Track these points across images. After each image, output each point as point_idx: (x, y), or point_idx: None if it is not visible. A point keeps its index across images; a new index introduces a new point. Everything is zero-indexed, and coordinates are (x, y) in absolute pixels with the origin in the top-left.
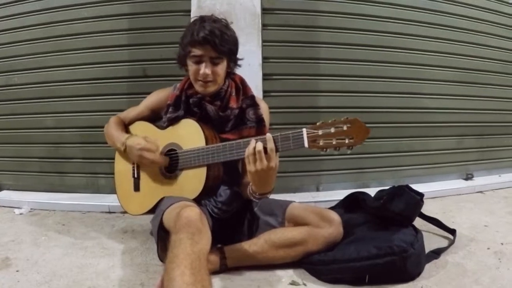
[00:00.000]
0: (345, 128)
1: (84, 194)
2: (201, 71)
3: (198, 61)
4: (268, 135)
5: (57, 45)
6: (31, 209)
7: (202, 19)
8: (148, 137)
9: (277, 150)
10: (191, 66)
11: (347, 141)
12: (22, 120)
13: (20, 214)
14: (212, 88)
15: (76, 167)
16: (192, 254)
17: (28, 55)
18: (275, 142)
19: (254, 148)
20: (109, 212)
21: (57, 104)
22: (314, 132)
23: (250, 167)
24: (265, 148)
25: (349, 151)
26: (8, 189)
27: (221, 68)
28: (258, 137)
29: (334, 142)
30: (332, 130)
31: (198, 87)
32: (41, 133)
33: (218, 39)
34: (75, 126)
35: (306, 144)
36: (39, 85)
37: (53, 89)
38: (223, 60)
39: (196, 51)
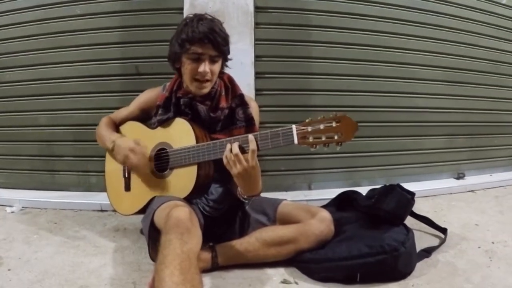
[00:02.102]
0: (334, 124)
1: (75, 192)
2: (201, 69)
3: (197, 59)
4: (250, 136)
5: (50, 43)
6: (22, 207)
7: (199, 17)
8: (139, 141)
9: (258, 149)
10: (189, 65)
11: (336, 137)
12: (15, 117)
13: (12, 212)
14: (207, 89)
15: (67, 165)
16: (182, 254)
17: (20, 52)
18: (256, 141)
19: (231, 150)
20: (101, 211)
21: (50, 102)
22: (303, 129)
23: (232, 171)
24: (241, 148)
25: (338, 148)
26: None
27: (218, 67)
28: (238, 136)
29: (323, 139)
30: (321, 126)
31: (193, 87)
32: (33, 130)
33: (220, 38)
34: (68, 123)
35: (295, 141)
36: (32, 82)
37: (46, 87)
38: (220, 59)
39: (197, 49)
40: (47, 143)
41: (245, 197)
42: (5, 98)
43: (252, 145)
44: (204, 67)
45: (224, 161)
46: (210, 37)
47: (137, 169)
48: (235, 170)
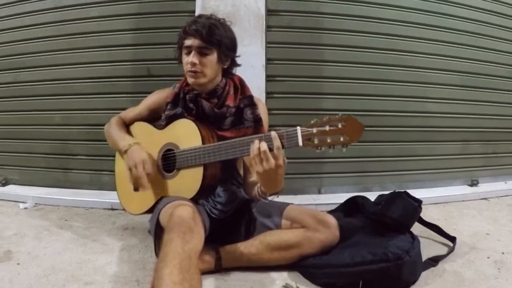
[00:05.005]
0: (339, 126)
1: (88, 190)
2: (189, 60)
3: (188, 51)
4: (273, 133)
5: (65, 44)
6: (35, 204)
7: (198, 16)
8: (149, 132)
9: (283, 147)
10: (184, 59)
11: (342, 139)
12: (30, 116)
13: (25, 208)
14: (201, 80)
15: (81, 163)
16: (182, 253)
17: (37, 53)
18: (281, 139)
19: (259, 148)
20: (111, 209)
21: (65, 102)
22: (308, 130)
23: (257, 168)
24: (270, 147)
25: (344, 149)
26: (14, 183)
27: (210, 60)
28: (263, 134)
29: (329, 140)
30: (327, 128)
31: (188, 78)
32: (48, 129)
33: (206, 30)
34: (81, 123)
35: (300, 143)
36: (47, 82)
37: (62, 87)
38: (212, 51)
39: (186, 42)
40: (61, 142)
41: (266, 195)
42: (21, 97)
43: (276, 142)
44: (191, 57)
45: (251, 154)
46: (198, 29)
47: (139, 181)
48: (261, 167)
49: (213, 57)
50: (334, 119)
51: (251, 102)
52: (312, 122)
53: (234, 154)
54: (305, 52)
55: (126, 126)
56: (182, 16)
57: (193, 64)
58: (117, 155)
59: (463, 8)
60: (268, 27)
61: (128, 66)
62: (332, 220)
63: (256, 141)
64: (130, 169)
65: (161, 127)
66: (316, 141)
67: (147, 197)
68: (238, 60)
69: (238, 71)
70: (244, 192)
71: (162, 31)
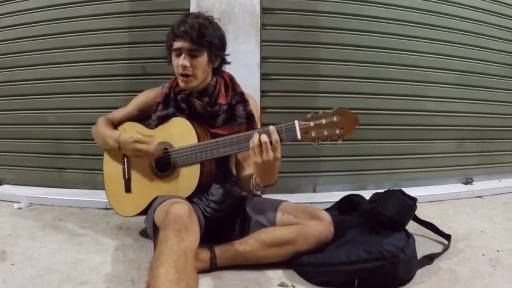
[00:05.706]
0: (335, 119)
1: (82, 190)
2: (180, 63)
3: (178, 54)
4: (271, 127)
5: (59, 42)
6: (29, 203)
7: (186, 15)
8: (140, 132)
9: (281, 141)
10: (174, 61)
11: (337, 131)
12: (24, 115)
13: (19, 208)
14: (193, 83)
15: (75, 163)
16: (178, 252)
17: (30, 51)
18: (279, 133)
19: (259, 139)
20: (106, 209)
21: (58, 101)
22: (306, 124)
23: (256, 159)
24: (270, 140)
25: (340, 141)
26: (8, 183)
27: (200, 62)
28: (262, 129)
29: (325, 133)
30: (323, 121)
31: (180, 82)
32: (42, 129)
33: (195, 32)
34: (76, 122)
35: (298, 136)
36: (41, 81)
37: (55, 86)
38: (202, 53)
39: (176, 44)
40: (55, 141)
41: (260, 187)
42: (15, 96)
43: (275, 136)
44: (182, 60)
45: (251, 145)
46: (187, 31)
47: (149, 156)
48: (259, 158)
49: (203, 59)
50: (329, 113)
51: (242, 99)
52: (308, 116)
53: (232, 150)
54: (300, 50)
55: (115, 126)
56: (177, 14)
57: (184, 67)
58: (105, 156)
59: (459, 7)
60: (263, 25)
61: (123, 64)
62: (326, 215)
63: (256, 134)
64: (135, 155)
65: (152, 127)
66: (313, 134)
67: (140, 198)
68: (228, 58)
69: (232, 69)
70: (239, 188)
71: (157, 30)
